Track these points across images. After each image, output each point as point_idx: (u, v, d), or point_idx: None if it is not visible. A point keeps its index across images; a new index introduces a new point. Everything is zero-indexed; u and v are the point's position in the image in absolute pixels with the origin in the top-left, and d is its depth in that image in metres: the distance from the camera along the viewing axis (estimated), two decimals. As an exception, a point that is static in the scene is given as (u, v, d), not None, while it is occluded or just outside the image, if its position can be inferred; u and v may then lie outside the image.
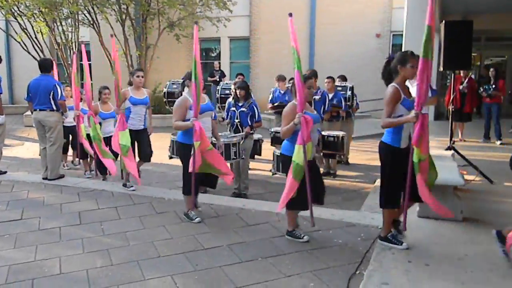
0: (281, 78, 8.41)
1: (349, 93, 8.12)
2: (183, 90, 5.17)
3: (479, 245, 3.96)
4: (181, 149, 4.98)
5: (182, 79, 5.21)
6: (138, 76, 5.99)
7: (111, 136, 6.20)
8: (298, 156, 4.07)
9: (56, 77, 7.77)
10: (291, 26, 4.17)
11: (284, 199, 4.18)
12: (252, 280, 3.59)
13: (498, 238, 3.76)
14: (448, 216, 4.07)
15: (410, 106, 3.87)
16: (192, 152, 4.68)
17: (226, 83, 8.74)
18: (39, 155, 6.91)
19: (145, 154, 6.21)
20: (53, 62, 7.07)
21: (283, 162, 4.68)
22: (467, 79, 9.56)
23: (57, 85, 6.57)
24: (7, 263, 3.95)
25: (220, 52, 17.73)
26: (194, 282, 3.58)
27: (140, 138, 6.12)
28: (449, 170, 4.88)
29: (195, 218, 4.92)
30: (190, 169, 4.74)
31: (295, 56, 4.12)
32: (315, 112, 4.58)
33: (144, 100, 6.07)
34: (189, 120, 4.70)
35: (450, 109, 7.30)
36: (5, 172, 7.14)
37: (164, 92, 8.01)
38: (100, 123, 6.63)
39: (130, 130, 5.86)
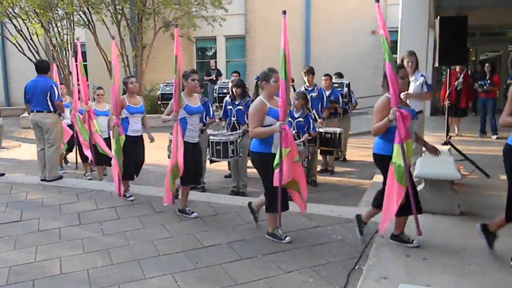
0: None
1: (345, 90, 8.15)
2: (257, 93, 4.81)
3: (476, 239, 3.98)
4: (260, 160, 4.28)
5: (256, 79, 4.78)
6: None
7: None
8: (397, 156, 3.68)
9: (56, 78, 7.79)
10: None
11: (393, 210, 3.74)
12: (252, 276, 3.62)
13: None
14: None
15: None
16: (276, 162, 4.04)
17: (224, 82, 8.75)
18: (37, 156, 6.89)
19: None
20: (50, 63, 7.14)
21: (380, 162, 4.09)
22: (462, 75, 9.62)
23: (54, 86, 6.56)
24: (7, 265, 3.96)
25: (216, 51, 17.73)
26: (195, 280, 3.60)
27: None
28: (446, 165, 4.92)
29: (285, 237, 4.31)
30: (276, 183, 4.07)
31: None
32: (411, 107, 4.38)
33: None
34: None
35: (446, 105, 7.34)
36: (3, 174, 7.14)
37: (158, 95, 7.98)
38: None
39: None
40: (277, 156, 4.06)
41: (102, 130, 6.92)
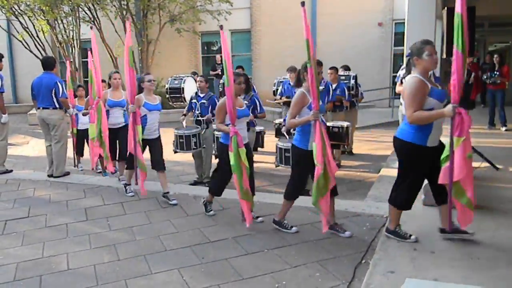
0: (293, 70, 8.26)
1: (352, 82, 8.09)
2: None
3: (484, 232, 3.95)
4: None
5: (407, 56, 3.96)
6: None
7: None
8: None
9: (68, 74, 7.69)
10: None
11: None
12: (259, 271, 3.61)
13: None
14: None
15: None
16: (444, 154, 3.58)
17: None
18: (46, 152, 6.94)
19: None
20: (55, 60, 7.10)
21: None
22: (467, 71, 9.43)
23: (58, 83, 6.55)
24: (15, 260, 3.99)
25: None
26: (201, 275, 3.60)
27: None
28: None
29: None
30: (443, 180, 3.59)
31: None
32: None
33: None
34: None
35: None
36: (11, 171, 7.18)
37: (166, 88, 8.00)
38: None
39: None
40: (446, 148, 3.54)
41: (114, 122, 6.37)
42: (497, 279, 3.21)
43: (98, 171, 7.22)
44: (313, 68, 3.85)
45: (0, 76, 6.64)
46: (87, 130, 6.48)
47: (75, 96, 7.50)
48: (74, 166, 7.69)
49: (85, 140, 7.29)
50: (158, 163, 5.54)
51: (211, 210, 4.97)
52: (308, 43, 3.90)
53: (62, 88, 6.59)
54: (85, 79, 17.37)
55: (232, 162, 4.37)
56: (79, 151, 7.71)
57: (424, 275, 3.29)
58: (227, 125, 4.51)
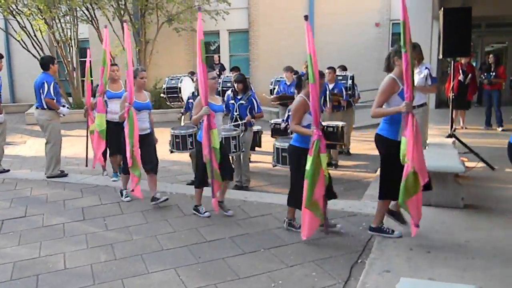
0: (289, 69, 8.31)
1: (349, 82, 8.11)
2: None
3: (480, 232, 3.97)
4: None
5: (284, 70, 4.76)
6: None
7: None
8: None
9: (87, 65, 6.82)
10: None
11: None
12: (255, 271, 3.62)
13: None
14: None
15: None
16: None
17: (227, 76, 8.74)
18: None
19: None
20: (53, 59, 6.93)
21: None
22: (461, 69, 9.45)
23: (45, 82, 6.43)
24: (12, 260, 3.99)
25: (219, 45, 17.68)
26: (198, 274, 3.61)
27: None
28: (450, 157, 4.90)
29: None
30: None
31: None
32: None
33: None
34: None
35: (451, 97, 7.28)
36: (8, 170, 7.18)
37: (164, 88, 8.01)
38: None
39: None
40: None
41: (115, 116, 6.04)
42: (492, 278, 3.23)
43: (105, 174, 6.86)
44: (409, 53, 3.55)
45: None
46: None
47: (94, 95, 6.62)
48: (86, 166, 6.97)
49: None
50: (149, 163, 5.32)
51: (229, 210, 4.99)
52: (406, 25, 3.60)
53: (48, 88, 6.43)
54: (82, 79, 17.39)
55: (307, 167, 3.92)
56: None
57: (419, 275, 3.31)
58: (286, 129, 4.37)
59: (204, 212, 4.94)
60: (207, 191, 4.96)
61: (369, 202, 5.20)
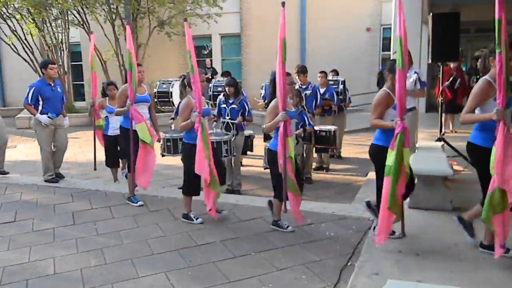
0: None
1: (341, 87, 8.18)
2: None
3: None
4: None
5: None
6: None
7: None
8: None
9: (92, 52, 6.44)
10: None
11: None
12: (245, 274, 3.63)
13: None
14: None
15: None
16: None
17: (218, 80, 8.76)
18: None
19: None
20: (48, 62, 6.61)
21: None
22: (452, 76, 9.56)
23: (29, 87, 6.35)
24: (1, 265, 3.96)
25: (211, 49, 17.71)
26: (188, 278, 3.62)
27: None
28: (439, 161, 4.95)
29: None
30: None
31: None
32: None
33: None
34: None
35: (440, 101, 7.37)
36: (7, 173, 7.15)
37: (155, 92, 8.03)
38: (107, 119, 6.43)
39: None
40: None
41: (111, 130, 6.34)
42: (479, 280, 3.27)
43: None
44: (503, 54, 3.18)
45: None
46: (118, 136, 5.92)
47: (104, 95, 6.50)
48: (95, 169, 6.81)
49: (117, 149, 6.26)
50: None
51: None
52: (501, 24, 3.22)
53: (28, 92, 6.30)
54: (74, 83, 17.34)
55: (389, 162, 3.63)
56: (110, 162, 6.62)
57: (408, 277, 3.34)
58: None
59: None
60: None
61: (359, 205, 5.21)
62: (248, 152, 7.60)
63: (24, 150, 10.14)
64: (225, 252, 4.08)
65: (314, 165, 7.52)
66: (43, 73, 6.50)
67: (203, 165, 4.50)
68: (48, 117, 6.31)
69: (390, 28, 7.61)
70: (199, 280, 3.58)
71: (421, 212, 4.67)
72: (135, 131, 5.19)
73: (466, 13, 9.03)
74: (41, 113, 6.34)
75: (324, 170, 7.63)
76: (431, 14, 6.62)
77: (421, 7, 7.27)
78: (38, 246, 4.37)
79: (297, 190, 4.30)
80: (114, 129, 6.22)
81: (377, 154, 3.98)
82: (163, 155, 6.58)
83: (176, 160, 7.11)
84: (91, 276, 3.71)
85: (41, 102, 6.35)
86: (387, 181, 3.63)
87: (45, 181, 6.59)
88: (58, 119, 6.51)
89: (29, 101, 6.29)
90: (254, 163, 8.01)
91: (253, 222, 4.82)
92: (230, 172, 6.43)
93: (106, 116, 6.37)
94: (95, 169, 6.71)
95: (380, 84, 4.18)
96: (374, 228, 4.13)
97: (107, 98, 6.45)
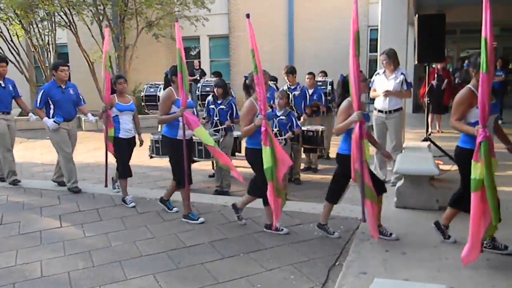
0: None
1: (329, 88, 8.22)
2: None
3: (454, 233, 4.05)
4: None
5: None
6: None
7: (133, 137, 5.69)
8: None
9: (106, 47, 5.79)
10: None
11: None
12: (234, 275, 3.64)
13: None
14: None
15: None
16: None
17: (207, 81, 8.76)
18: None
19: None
20: (58, 65, 6.18)
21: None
22: (436, 74, 9.70)
23: (38, 90, 6.31)
24: (-13, 269, 3.92)
25: (199, 51, 17.69)
26: (176, 280, 3.61)
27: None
28: (425, 160, 5.01)
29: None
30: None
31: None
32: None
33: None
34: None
35: (426, 102, 7.45)
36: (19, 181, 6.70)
37: (142, 96, 8.01)
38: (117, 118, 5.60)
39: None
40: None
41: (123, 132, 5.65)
42: (464, 278, 3.32)
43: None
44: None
45: None
46: (133, 139, 5.73)
47: (114, 91, 5.64)
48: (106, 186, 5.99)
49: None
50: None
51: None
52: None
53: (37, 96, 6.14)
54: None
55: (476, 175, 3.27)
56: (125, 172, 5.67)
57: (395, 276, 3.38)
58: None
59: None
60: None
61: (347, 205, 5.26)
62: (236, 153, 7.61)
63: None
64: (214, 253, 4.08)
65: (302, 165, 7.55)
66: (53, 75, 6.12)
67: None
68: (54, 121, 5.94)
69: (377, 29, 7.67)
70: (188, 281, 3.58)
71: (407, 211, 4.73)
72: (189, 140, 4.96)
73: (452, 15, 9.16)
74: (52, 117, 5.99)
75: (313, 171, 7.66)
76: (417, 15, 6.71)
77: (407, 9, 7.34)
78: (25, 249, 4.33)
79: (374, 198, 3.93)
80: (126, 131, 5.61)
81: (465, 158, 3.57)
82: (151, 157, 6.56)
83: (163, 162, 7.08)
84: (79, 279, 3.69)
85: (51, 106, 5.98)
86: (476, 197, 3.28)
87: (69, 189, 6.15)
88: (70, 124, 6.15)
89: (38, 105, 5.99)
90: (242, 164, 8.00)
91: (246, 221, 4.81)
92: (219, 173, 6.44)
93: (116, 116, 5.55)
94: (106, 185, 5.91)
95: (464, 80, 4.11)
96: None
97: (115, 95, 5.60)
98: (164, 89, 5.07)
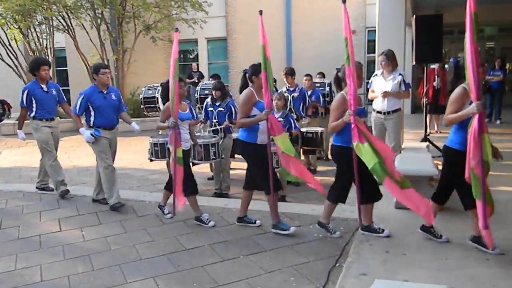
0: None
1: (327, 89, 8.25)
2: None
3: (453, 233, 4.07)
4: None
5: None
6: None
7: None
8: None
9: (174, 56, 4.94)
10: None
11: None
12: (234, 277, 3.64)
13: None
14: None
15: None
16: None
17: (205, 84, 8.76)
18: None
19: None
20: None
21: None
22: (436, 75, 9.74)
23: (78, 95, 5.56)
24: (-13, 274, 3.91)
25: (197, 53, 17.71)
26: (176, 283, 3.61)
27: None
28: (424, 161, 5.01)
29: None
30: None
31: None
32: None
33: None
34: None
35: (424, 102, 7.46)
36: (53, 190, 6.33)
37: (141, 98, 8.00)
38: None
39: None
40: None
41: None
42: (464, 278, 3.32)
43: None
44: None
45: None
46: (190, 151, 5.30)
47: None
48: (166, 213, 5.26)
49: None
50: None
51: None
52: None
53: (76, 101, 5.48)
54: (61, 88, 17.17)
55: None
56: (189, 188, 4.92)
57: (395, 276, 3.37)
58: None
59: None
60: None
61: (347, 206, 5.24)
62: (236, 155, 7.60)
63: (10, 157, 10.01)
64: (214, 255, 4.07)
65: (302, 167, 7.54)
66: (94, 79, 5.62)
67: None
68: (92, 134, 5.36)
69: (375, 30, 7.67)
70: (187, 284, 3.58)
71: (407, 212, 4.70)
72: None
73: (450, 15, 9.17)
74: (93, 125, 5.44)
75: (312, 172, 7.66)
76: (414, 16, 6.72)
77: (405, 10, 7.36)
78: (24, 253, 4.32)
79: (491, 201, 3.54)
80: (186, 141, 5.06)
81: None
82: (151, 160, 6.55)
83: (164, 165, 7.09)
84: (78, 283, 3.68)
85: (92, 112, 5.43)
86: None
87: (111, 207, 5.49)
88: (111, 132, 5.60)
89: (77, 111, 5.42)
90: (241, 166, 7.99)
91: (241, 225, 4.81)
92: (218, 175, 6.44)
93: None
94: (174, 214, 5.14)
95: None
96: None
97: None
98: (240, 90, 4.65)
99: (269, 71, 4.29)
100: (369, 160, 3.80)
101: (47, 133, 6.04)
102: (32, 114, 5.98)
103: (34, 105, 5.96)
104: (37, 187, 6.43)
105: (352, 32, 14.87)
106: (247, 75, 4.62)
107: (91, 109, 5.41)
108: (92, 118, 5.43)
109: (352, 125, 3.92)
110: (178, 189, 4.81)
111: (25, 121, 6.17)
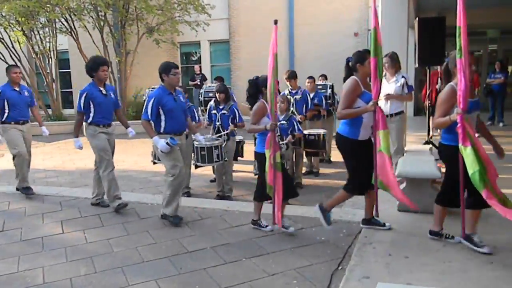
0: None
1: (329, 91, 8.25)
2: None
3: (456, 236, 4.05)
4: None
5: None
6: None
7: None
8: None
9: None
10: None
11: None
12: (236, 280, 3.63)
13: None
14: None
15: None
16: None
17: (209, 86, 8.79)
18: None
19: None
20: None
21: None
22: (439, 76, 9.74)
23: (147, 98, 5.31)
24: (-11, 276, 3.92)
25: (200, 56, 17.73)
26: (179, 286, 3.60)
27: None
28: (427, 163, 4.99)
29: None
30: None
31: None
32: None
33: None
34: None
35: (427, 105, 7.45)
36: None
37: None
38: None
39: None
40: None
41: None
42: (467, 282, 3.30)
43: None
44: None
45: None
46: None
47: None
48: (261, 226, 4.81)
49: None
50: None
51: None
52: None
53: (146, 105, 5.12)
54: (62, 90, 17.23)
55: (474, 168, 3.43)
56: (264, 193, 4.62)
57: (398, 280, 3.36)
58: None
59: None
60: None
61: (349, 209, 5.25)
62: (239, 158, 7.60)
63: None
64: (216, 258, 4.07)
65: (304, 169, 7.55)
66: (163, 80, 5.24)
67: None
68: (167, 143, 4.84)
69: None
70: (190, 287, 3.57)
71: (410, 215, 4.71)
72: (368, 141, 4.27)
73: (452, 18, 9.15)
74: (165, 131, 5.02)
75: (314, 175, 7.66)
76: (417, 18, 6.71)
77: (408, 12, 7.36)
78: (27, 255, 4.32)
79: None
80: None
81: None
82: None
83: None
84: (81, 285, 3.68)
85: (162, 117, 5.02)
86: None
87: (116, 210, 5.47)
88: (181, 137, 5.22)
89: (149, 116, 4.95)
90: (244, 169, 8.00)
91: (244, 227, 4.81)
92: (221, 178, 6.43)
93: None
94: (278, 223, 4.56)
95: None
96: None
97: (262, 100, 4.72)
98: (344, 79, 4.27)
99: (379, 58, 3.97)
100: (469, 166, 3.51)
101: (105, 140, 5.52)
102: (89, 120, 5.46)
103: (92, 110, 5.42)
104: (92, 203, 5.82)
105: (354, 35, 14.95)
106: (350, 63, 4.23)
107: (162, 113, 5.02)
108: (163, 124, 5.03)
109: (459, 124, 3.57)
110: (278, 196, 4.37)
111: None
